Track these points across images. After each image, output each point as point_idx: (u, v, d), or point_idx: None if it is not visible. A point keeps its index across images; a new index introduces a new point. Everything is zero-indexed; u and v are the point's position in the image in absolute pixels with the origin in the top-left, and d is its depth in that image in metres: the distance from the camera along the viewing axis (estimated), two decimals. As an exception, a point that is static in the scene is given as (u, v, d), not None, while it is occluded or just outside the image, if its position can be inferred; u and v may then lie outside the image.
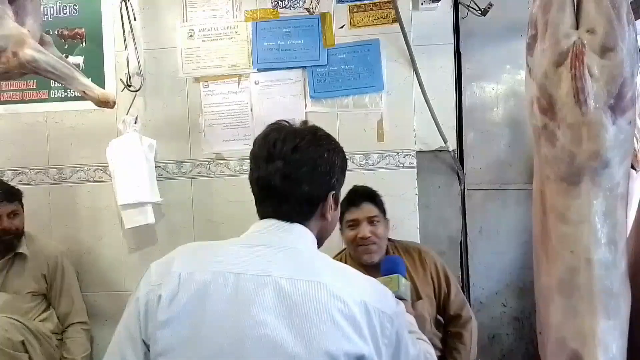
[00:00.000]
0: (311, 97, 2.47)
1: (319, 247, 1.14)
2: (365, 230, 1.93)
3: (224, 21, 2.51)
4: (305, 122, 1.16)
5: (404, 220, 2.44)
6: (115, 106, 2.11)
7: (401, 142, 2.46)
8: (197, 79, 2.53)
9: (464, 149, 2.59)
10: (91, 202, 2.58)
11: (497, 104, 2.61)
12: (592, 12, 1.13)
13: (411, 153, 2.46)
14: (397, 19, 2.36)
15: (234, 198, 2.41)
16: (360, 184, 2.13)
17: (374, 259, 1.94)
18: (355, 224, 1.96)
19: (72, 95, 2.53)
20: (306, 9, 2.47)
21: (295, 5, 2.48)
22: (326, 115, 2.46)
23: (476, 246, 2.61)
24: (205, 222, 2.53)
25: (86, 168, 2.58)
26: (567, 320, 1.23)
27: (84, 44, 2.57)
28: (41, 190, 2.59)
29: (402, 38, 2.39)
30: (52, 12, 2.57)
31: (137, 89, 2.47)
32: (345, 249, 2.11)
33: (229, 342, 0.97)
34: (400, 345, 1.05)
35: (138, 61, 2.48)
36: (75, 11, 2.58)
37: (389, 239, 2.08)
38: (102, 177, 2.56)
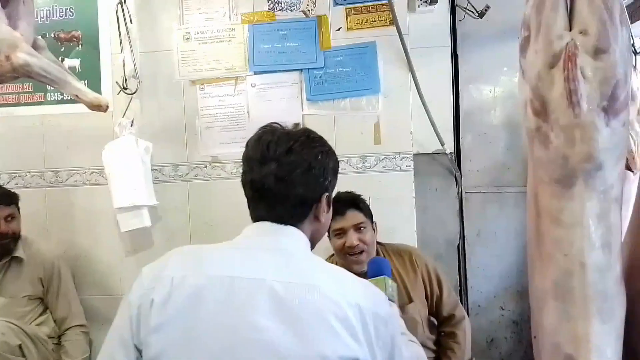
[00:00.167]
0: (308, 99, 2.47)
1: (311, 250, 1.14)
2: (352, 238, 1.91)
3: (221, 24, 2.51)
4: (297, 125, 1.16)
5: (401, 224, 2.43)
6: (112, 109, 2.11)
7: (398, 144, 2.45)
8: (193, 82, 2.52)
9: (461, 151, 2.58)
10: (87, 206, 2.57)
11: (495, 107, 2.61)
12: (585, 13, 1.12)
13: (408, 156, 2.46)
14: (394, 22, 2.35)
15: (231, 201, 2.40)
16: (357, 186, 2.12)
17: (365, 269, 1.93)
18: (341, 232, 1.94)
19: (68, 99, 2.51)
20: (303, 11, 2.47)
21: (292, 8, 2.47)
22: (323, 118, 2.45)
23: (474, 249, 2.60)
24: (201, 225, 2.53)
25: (82, 171, 2.57)
26: (561, 324, 1.22)
27: (80, 46, 2.57)
28: (37, 193, 2.59)
29: (399, 40, 2.39)
30: (48, 15, 2.57)
31: (134, 91, 2.47)
32: (333, 254, 2.09)
33: (222, 347, 0.96)
34: (394, 347, 1.04)
35: (134, 64, 2.48)
36: (71, 14, 2.57)
37: (379, 243, 2.07)
38: (98, 180, 2.56)
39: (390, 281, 1.30)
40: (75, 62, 2.55)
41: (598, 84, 1.12)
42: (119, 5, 2.41)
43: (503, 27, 2.51)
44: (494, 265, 2.60)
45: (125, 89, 2.47)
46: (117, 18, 2.43)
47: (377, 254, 2.02)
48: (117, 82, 2.47)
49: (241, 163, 1.17)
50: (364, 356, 0.97)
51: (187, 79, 2.53)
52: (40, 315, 2.38)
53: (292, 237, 1.10)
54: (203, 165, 2.53)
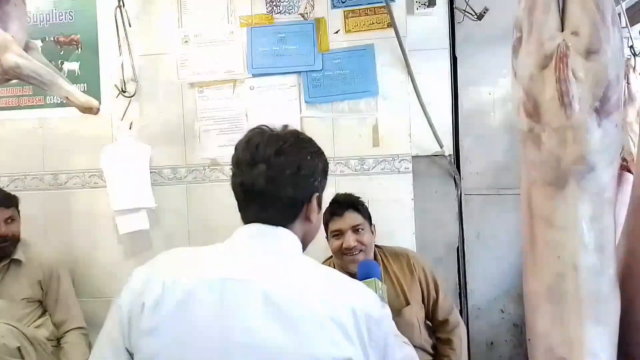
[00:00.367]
0: (306, 102, 2.47)
1: (302, 251, 1.14)
2: (349, 240, 1.91)
3: (219, 27, 2.52)
4: (286, 126, 1.16)
5: (400, 226, 2.43)
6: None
7: (397, 147, 2.45)
8: (192, 85, 2.54)
9: (460, 153, 2.57)
10: (86, 208, 2.59)
11: (494, 109, 2.59)
12: (577, 14, 1.11)
13: (407, 158, 2.45)
14: (392, 24, 2.35)
15: (229, 203, 2.37)
16: (355, 188, 2.12)
17: None
18: (339, 233, 1.94)
19: (68, 102, 2.54)
20: (301, 14, 2.47)
21: (290, 11, 2.48)
22: (321, 121, 2.45)
23: (474, 252, 2.58)
24: (200, 227, 2.53)
25: (82, 174, 2.59)
26: (555, 328, 1.21)
27: (79, 50, 2.59)
28: (36, 196, 2.60)
29: (397, 43, 2.38)
30: (47, 19, 2.59)
31: (132, 94, 2.49)
32: (332, 256, 2.09)
33: (214, 350, 0.96)
34: (387, 348, 1.04)
35: (133, 67, 2.49)
36: (71, 18, 2.59)
37: (377, 245, 2.06)
38: (97, 183, 2.57)
39: (380, 283, 1.32)
40: (74, 66, 2.57)
41: (590, 85, 1.11)
42: (118, 8, 2.42)
43: (502, 29, 2.49)
44: (494, 267, 2.58)
45: (124, 92, 2.48)
46: (116, 21, 2.44)
47: (375, 256, 2.01)
48: (116, 85, 2.49)
49: (239, 165, 1.16)
50: (357, 357, 0.97)
51: (186, 81, 2.54)
52: (39, 317, 2.37)
53: (284, 239, 1.10)
54: (202, 168, 2.53)
